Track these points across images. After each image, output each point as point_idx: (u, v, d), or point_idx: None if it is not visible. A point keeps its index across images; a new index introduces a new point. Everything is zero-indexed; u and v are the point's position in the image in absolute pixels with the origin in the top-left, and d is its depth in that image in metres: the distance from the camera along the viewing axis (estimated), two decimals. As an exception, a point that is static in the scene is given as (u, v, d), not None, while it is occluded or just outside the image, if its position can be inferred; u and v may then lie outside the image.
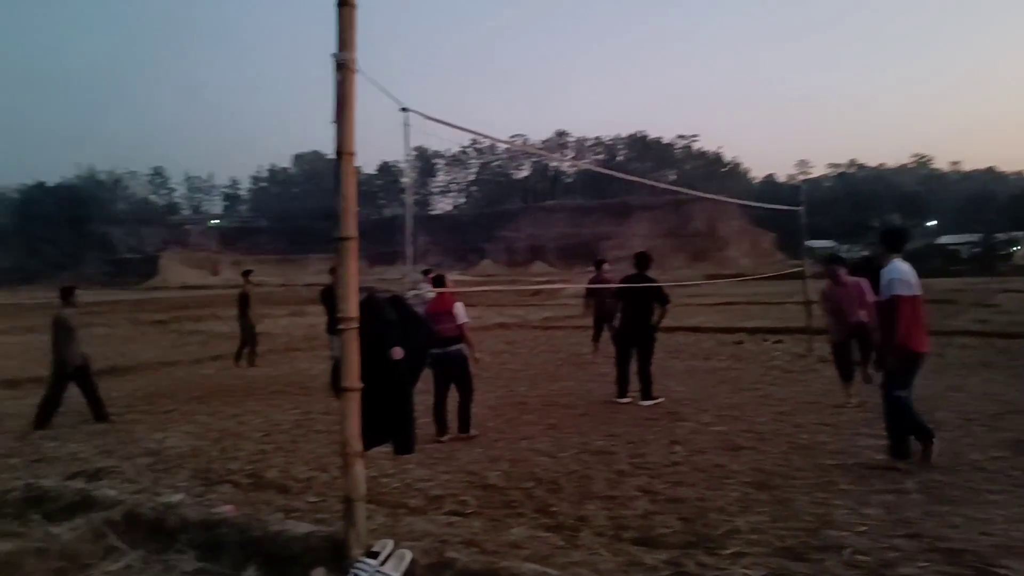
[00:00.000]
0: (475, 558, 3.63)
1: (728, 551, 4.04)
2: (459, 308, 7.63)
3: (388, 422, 4.02)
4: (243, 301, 14.35)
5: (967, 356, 11.91)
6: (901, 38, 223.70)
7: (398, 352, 3.95)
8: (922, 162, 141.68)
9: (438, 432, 7.36)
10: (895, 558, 3.87)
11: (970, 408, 7.86)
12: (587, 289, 13.77)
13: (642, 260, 9.44)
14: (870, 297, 7.81)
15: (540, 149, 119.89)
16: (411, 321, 4.16)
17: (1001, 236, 67.30)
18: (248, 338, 14.15)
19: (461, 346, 7.66)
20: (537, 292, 36.54)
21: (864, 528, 4.35)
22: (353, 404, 3.78)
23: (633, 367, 8.97)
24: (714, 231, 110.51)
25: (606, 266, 13.52)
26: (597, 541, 4.24)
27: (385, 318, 3.99)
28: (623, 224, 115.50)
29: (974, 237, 67.45)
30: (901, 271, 5.86)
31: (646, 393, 8.76)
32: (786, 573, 3.70)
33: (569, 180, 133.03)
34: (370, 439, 3.91)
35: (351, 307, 3.75)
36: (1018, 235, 73.64)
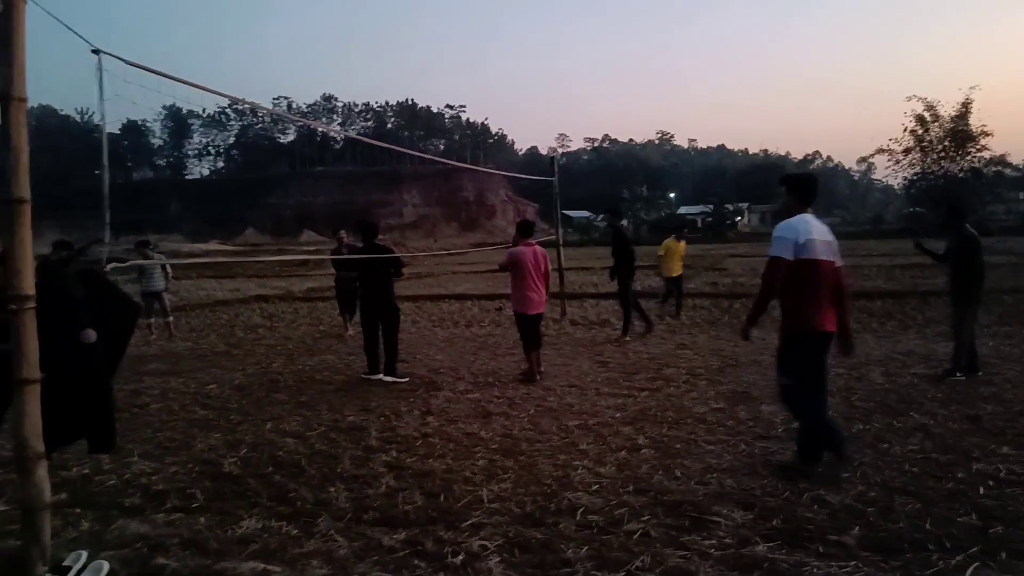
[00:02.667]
0: (188, 562, 3.25)
1: (468, 523, 3.99)
2: None
3: (80, 416, 3.46)
4: None
5: (698, 316, 13.10)
6: (644, 21, 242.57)
7: (90, 335, 3.39)
8: (665, 139, 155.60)
9: None
10: (623, 515, 4.04)
11: (697, 364, 8.61)
12: (332, 261, 13.02)
13: (367, 229, 8.84)
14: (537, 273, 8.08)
15: (299, 115, 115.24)
16: (107, 299, 3.60)
17: (729, 207, 75.66)
18: None
19: None
20: (305, 262, 35.12)
21: (598, 487, 4.52)
22: (32, 398, 3.20)
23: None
24: (483, 200, 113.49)
25: (342, 233, 12.63)
26: (335, 526, 4.00)
27: (71, 295, 3.40)
28: (395, 192, 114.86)
29: (707, 208, 75.14)
30: (789, 227, 4.61)
31: (390, 368, 8.34)
32: (522, 541, 3.73)
33: (338, 146, 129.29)
34: (57, 437, 3.35)
35: (24, 283, 3.15)
36: (743, 206, 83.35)
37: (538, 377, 8.05)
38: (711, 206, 74.11)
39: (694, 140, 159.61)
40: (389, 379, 8.20)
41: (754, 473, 4.70)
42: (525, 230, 8.54)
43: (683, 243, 13.72)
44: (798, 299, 4.60)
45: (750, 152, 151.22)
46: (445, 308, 15.88)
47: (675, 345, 9.95)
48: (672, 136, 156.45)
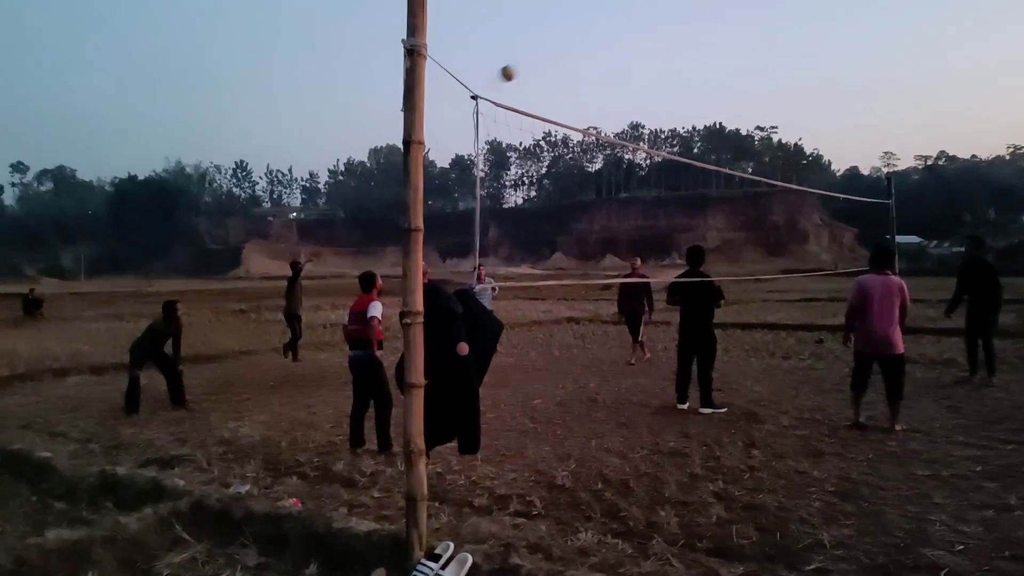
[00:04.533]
0: (540, 565, 3.48)
1: (811, 567, 3.77)
2: (373, 306, 6.86)
3: (453, 419, 3.91)
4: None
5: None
6: (996, 19, 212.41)
7: (464, 348, 3.82)
8: (1018, 153, 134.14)
9: (352, 446, 6.78)
10: (999, 583, 3.54)
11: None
12: (620, 287, 13.10)
13: (695, 255, 8.56)
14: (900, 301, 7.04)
15: (615, 140, 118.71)
16: (477, 315, 4.03)
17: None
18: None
19: (369, 351, 6.83)
20: (607, 286, 36.10)
21: (962, 547, 4.00)
22: (417, 401, 3.68)
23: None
24: (793, 224, 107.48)
25: (636, 261, 12.91)
26: (669, 550, 4.02)
27: (452, 311, 3.87)
28: (699, 216, 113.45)
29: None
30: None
31: (705, 400, 8.08)
32: (876, 595, 3.43)
33: (643, 172, 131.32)
34: (434, 436, 3.81)
35: (416, 300, 3.64)
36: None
37: (898, 429, 6.94)
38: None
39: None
40: (707, 411, 7.97)
41: None
42: (880, 258, 7.40)
43: None
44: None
45: None
46: (758, 338, 15.25)
47: (1047, 392, 8.50)
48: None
